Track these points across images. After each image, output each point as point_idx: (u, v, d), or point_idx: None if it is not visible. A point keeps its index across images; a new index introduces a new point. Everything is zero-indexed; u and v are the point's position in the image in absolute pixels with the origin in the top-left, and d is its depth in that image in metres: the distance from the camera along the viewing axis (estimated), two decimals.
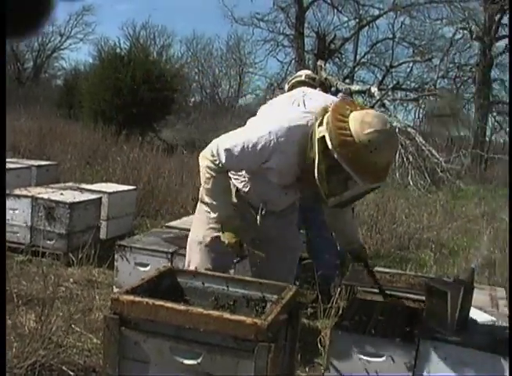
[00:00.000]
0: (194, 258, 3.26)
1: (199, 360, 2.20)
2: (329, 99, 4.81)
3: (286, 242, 3.32)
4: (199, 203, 3.31)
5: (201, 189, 3.20)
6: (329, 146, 2.60)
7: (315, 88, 5.01)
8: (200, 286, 2.62)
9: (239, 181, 3.15)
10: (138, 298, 2.23)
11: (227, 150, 2.85)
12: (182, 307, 2.19)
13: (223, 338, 2.14)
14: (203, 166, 2.96)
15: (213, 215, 3.03)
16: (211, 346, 2.17)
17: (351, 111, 2.67)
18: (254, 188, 3.12)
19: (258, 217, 3.16)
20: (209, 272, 2.77)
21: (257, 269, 3.31)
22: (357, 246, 3.39)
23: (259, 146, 2.80)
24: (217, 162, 2.89)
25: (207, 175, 2.95)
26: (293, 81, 5.00)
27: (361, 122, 2.60)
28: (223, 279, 2.62)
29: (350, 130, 2.59)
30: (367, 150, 2.57)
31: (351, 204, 3.01)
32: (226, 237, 3.01)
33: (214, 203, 3.00)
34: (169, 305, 2.20)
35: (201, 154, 2.98)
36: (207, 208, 3.14)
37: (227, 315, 2.15)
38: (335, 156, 2.59)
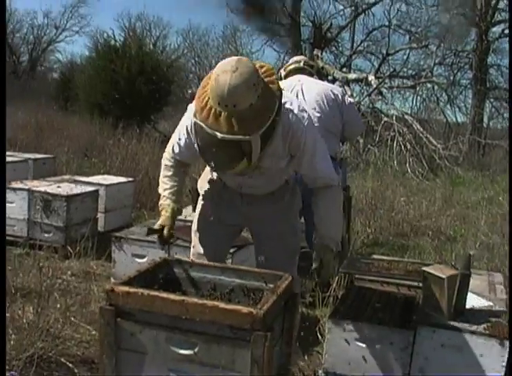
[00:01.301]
0: (192, 246, 3.32)
1: (195, 350, 2.20)
2: (328, 87, 4.84)
3: (277, 230, 3.20)
4: None
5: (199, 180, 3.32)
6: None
7: (313, 75, 4.97)
8: (196, 276, 2.62)
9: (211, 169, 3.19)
10: (133, 289, 2.22)
11: (173, 141, 3.02)
12: (177, 297, 2.19)
13: (219, 327, 2.14)
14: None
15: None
16: (207, 336, 2.17)
17: None
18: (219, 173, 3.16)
19: (229, 198, 3.18)
20: (205, 263, 2.77)
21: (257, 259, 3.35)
22: (322, 244, 2.99)
23: (182, 128, 2.93)
24: (171, 154, 3.05)
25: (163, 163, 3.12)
26: (290, 67, 4.93)
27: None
28: (219, 268, 2.62)
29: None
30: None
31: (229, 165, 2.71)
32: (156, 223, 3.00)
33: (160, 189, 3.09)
34: (164, 295, 2.19)
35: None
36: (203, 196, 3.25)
37: (222, 304, 2.14)
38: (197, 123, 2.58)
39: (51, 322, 3.65)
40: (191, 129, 2.81)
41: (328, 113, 4.62)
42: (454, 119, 20.18)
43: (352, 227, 6.35)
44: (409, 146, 13.23)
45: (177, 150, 3.01)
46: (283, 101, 2.70)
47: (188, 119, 2.85)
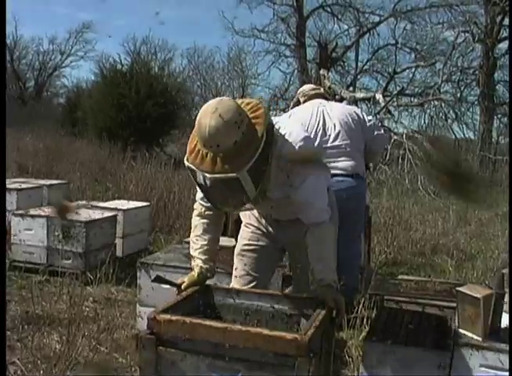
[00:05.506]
0: (234, 269, 3.40)
1: None
2: (350, 108, 5.03)
3: (302, 251, 3.12)
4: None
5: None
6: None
7: (329, 100, 5.11)
8: (233, 302, 2.60)
9: None
10: (175, 317, 2.21)
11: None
12: (220, 325, 2.18)
13: (263, 354, 2.12)
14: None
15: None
16: (250, 363, 2.16)
17: None
18: None
19: (266, 224, 3.32)
20: (242, 289, 2.76)
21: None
22: (324, 286, 2.76)
23: None
24: (199, 205, 3.04)
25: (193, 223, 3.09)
26: (311, 93, 4.98)
27: None
28: (256, 294, 2.61)
29: None
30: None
31: (226, 204, 2.79)
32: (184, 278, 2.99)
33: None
34: (207, 323, 2.18)
35: None
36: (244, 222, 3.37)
37: (267, 331, 2.13)
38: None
39: (79, 350, 3.63)
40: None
41: (355, 133, 4.65)
42: (462, 136, 20.18)
43: (372, 247, 6.33)
44: (419, 164, 13.19)
45: (200, 195, 2.97)
46: (278, 127, 2.78)
47: None
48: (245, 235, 3.38)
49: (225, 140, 2.48)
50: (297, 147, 2.78)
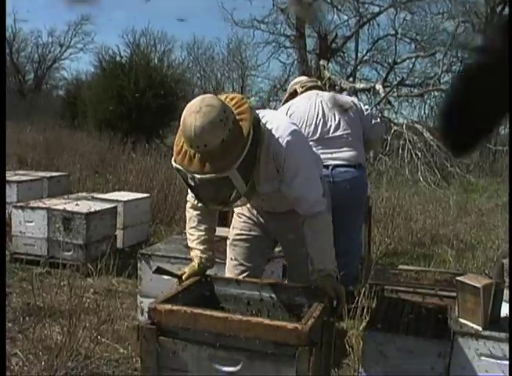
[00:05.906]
0: (228, 259, 3.39)
1: (238, 367, 2.19)
2: (348, 98, 5.03)
3: (294, 242, 3.22)
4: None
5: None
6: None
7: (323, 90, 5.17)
8: (234, 292, 2.61)
9: None
10: (176, 307, 2.21)
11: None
12: (221, 314, 2.18)
13: (263, 343, 2.13)
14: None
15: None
16: (251, 352, 2.16)
17: None
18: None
19: (257, 215, 3.30)
20: (243, 279, 2.76)
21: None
22: (321, 276, 2.79)
23: None
24: (191, 199, 3.02)
25: (187, 215, 3.09)
26: (309, 84, 4.99)
27: None
28: (257, 284, 2.61)
29: None
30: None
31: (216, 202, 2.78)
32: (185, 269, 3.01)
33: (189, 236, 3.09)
34: (208, 312, 2.18)
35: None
36: (236, 211, 3.36)
37: (267, 321, 2.13)
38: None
39: (80, 341, 3.64)
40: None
41: (354, 122, 4.65)
42: None
43: (372, 238, 6.34)
44: (419, 155, 13.20)
45: (190, 193, 2.99)
46: (265, 121, 2.76)
47: None
48: (237, 225, 3.38)
49: (211, 139, 2.46)
50: (284, 142, 2.76)
